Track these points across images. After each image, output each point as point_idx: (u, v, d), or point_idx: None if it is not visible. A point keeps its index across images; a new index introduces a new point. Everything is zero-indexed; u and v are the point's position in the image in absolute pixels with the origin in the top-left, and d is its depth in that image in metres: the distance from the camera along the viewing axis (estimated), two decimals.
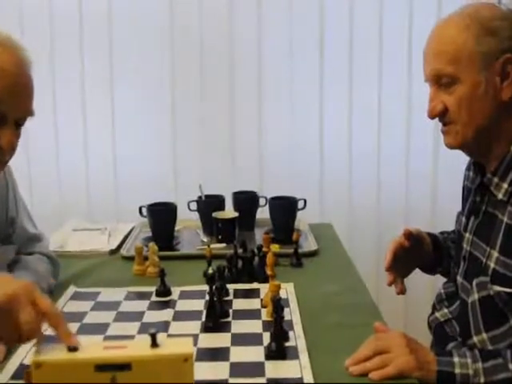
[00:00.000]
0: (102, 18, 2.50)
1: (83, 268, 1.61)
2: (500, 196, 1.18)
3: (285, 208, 1.92)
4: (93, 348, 0.82)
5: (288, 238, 1.70)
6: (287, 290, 1.43)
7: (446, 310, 1.34)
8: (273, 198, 1.95)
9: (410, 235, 1.37)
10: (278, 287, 1.25)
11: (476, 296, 1.19)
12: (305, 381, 1.04)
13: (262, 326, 1.25)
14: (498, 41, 1.14)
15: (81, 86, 2.55)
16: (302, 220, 1.99)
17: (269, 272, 1.51)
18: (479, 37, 1.15)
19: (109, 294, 1.45)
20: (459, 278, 1.28)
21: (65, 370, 0.80)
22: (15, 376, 1.06)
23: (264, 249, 1.58)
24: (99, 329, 1.26)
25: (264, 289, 1.42)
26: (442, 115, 1.21)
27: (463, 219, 1.32)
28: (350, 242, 2.28)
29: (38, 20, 2.48)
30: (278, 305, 1.15)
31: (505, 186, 1.18)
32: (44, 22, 2.48)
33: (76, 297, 1.44)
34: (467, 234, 1.27)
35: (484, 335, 1.17)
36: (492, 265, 1.16)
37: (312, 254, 1.74)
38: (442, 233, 1.53)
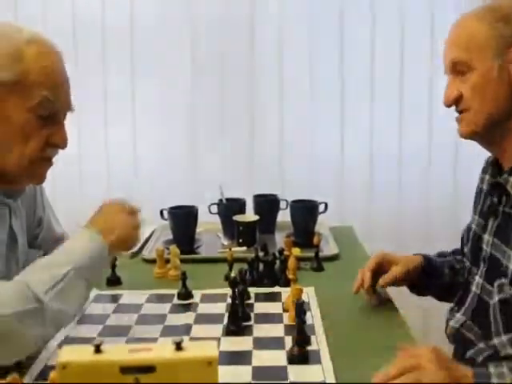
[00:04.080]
0: (125, 22, 2.53)
1: (105, 270, 1.62)
2: None
3: (306, 211, 1.92)
4: (118, 350, 0.82)
5: (309, 242, 1.69)
6: (308, 294, 1.43)
7: (458, 315, 1.32)
8: (294, 202, 1.94)
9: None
10: (301, 291, 1.24)
11: (497, 298, 1.18)
12: None
13: (284, 330, 1.25)
14: None
15: (103, 91, 2.57)
16: (323, 223, 1.99)
17: (290, 276, 1.50)
18: (492, 23, 1.16)
19: (130, 297, 1.46)
20: (479, 279, 1.27)
21: (90, 372, 0.80)
22: (40, 377, 1.07)
23: (285, 252, 1.58)
24: (122, 331, 1.26)
25: (285, 293, 1.42)
26: (457, 103, 1.21)
27: (480, 220, 1.31)
28: (372, 245, 2.26)
29: (62, 24, 2.50)
30: (301, 309, 1.15)
31: None
32: (67, 26, 2.51)
33: (98, 299, 1.45)
34: (487, 236, 1.26)
35: (503, 337, 1.16)
36: None
37: (333, 258, 1.74)
38: (440, 255, 1.52)
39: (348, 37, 2.54)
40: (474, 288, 1.28)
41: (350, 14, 2.53)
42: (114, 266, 1.55)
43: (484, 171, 1.36)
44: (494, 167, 1.29)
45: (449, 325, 1.34)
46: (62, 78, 1.18)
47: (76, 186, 2.64)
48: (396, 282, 1.43)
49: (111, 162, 2.64)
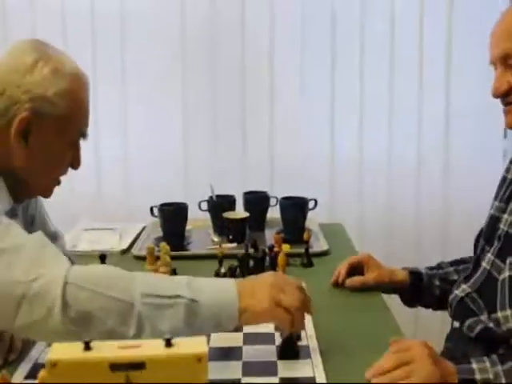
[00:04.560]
0: (115, 19, 2.51)
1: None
2: None
3: (295, 208, 1.92)
4: (107, 347, 0.82)
5: (298, 238, 1.70)
6: None
7: (464, 286, 1.34)
8: (283, 198, 1.95)
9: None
10: None
11: (507, 273, 1.21)
12: (317, 380, 1.04)
13: (274, 326, 1.25)
14: None
15: (93, 87, 2.55)
16: (313, 220, 1.99)
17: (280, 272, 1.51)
18: None
19: None
20: (490, 256, 1.30)
21: (79, 369, 0.80)
22: (30, 375, 1.07)
23: (275, 249, 1.58)
24: None
25: None
26: (506, 95, 1.23)
27: (501, 205, 1.33)
28: (361, 241, 2.28)
29: (52, 19, 2.49)
30: None
31: None
32: (56, 22, 2.49)
33: None
34: (506, 215, 1.29)
35: (508, 311, 1.19)
36: None
37: (323, 254, 1.74)
38: (431, 268, 1.55)
39: (339, 37, 2.54)
40: (484, 264, 1.31)
41: (341, 15, 2.53)
42: (103, 262, 1.54)
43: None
44: None
45: (453, 292, 1.37)
46: (89, 108, 1.26)
47: (66, 185, 2.61)
48: (371, 286, 1.48)
49: (101, 160, 2.63)
